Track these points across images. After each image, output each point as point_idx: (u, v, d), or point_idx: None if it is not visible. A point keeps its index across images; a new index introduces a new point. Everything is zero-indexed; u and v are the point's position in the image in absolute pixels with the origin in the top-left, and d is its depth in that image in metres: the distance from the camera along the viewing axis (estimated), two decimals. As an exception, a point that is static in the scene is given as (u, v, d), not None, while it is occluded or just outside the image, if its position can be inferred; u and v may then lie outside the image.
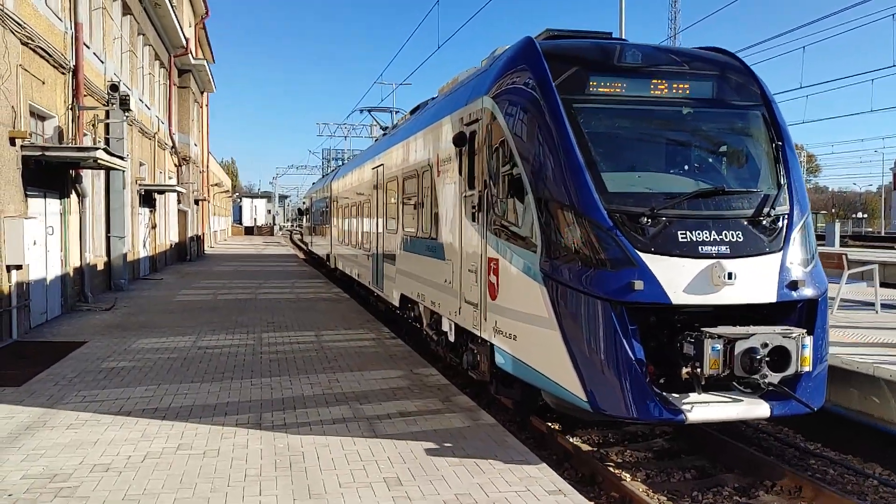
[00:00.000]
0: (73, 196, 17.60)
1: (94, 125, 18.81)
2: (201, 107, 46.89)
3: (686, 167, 8.37)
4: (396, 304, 15.25)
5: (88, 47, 18.69)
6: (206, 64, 41.21)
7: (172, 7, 29.86)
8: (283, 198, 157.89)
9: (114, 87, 18.84)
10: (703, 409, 7.30)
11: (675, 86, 8.65)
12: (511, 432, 8.36)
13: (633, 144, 8.42)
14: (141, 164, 27.04)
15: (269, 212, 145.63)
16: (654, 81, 8.63)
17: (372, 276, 18.43)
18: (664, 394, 7.36)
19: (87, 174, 18.55)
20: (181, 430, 7.82)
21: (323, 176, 46.20)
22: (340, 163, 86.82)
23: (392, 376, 10.66)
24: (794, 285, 7.67)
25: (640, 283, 7.25)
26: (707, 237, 7.58)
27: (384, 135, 22.23)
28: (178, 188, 31.66)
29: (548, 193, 7.88)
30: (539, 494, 6.25)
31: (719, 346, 6.99)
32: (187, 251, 39.16)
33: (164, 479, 6.35)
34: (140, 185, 26.33)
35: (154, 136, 29.67)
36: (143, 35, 28.07)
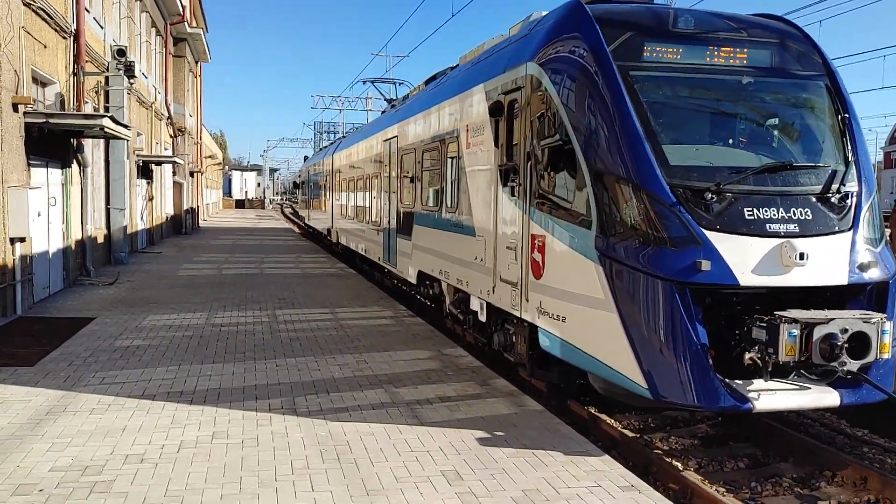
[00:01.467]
0: (75, 166, 16.96)
1: (96, 92, 18.11)
2: (196, 77, 45.95)
3: (748, 140, 7.87)
4: (413, 280, 14.76)
5: (88, 11, 17.94)
6: (201, 33, 40.27)
7: (170, -28, 28.98)
8: (273, 171, 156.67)
9: (121, 52, 18.13)
10: (771, 397, 6.88)
11: (733, 53, 8.14)
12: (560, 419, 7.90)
13: (693, 115, 7.92)
14: (139, 135, 26.32)
15: (258, 185, 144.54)
16: (712, 48, 8.13)
17: (383, 251, 17.91)
18: (728, 381, 6.94)
19: (87, 143, 17.89)
20: (212, 416, 7.34)
21: (320, 149, 45.50)
22: (333, 136, 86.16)
23: (421, 357, 10.20)
24: (864, 267, 7.23)
25: (706, 263, 6.79)
26: (775, 215, 7.12)
27: (392, 107, 21.61)
28: (175, 159, 30.96)
29: (603, 166, 7.39)
30: (612, 490, 5.82)
31: (796, 332, 6.55)
32: (183, 224, 38.49)
33: (206, 472, 5.87)
34: (138, 155, 25.64)
35: (151, 106, 28.92)
36: (141, 1, 27.22)
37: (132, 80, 18.97)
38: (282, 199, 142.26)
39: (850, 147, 7.80)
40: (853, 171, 7.65)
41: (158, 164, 30.59)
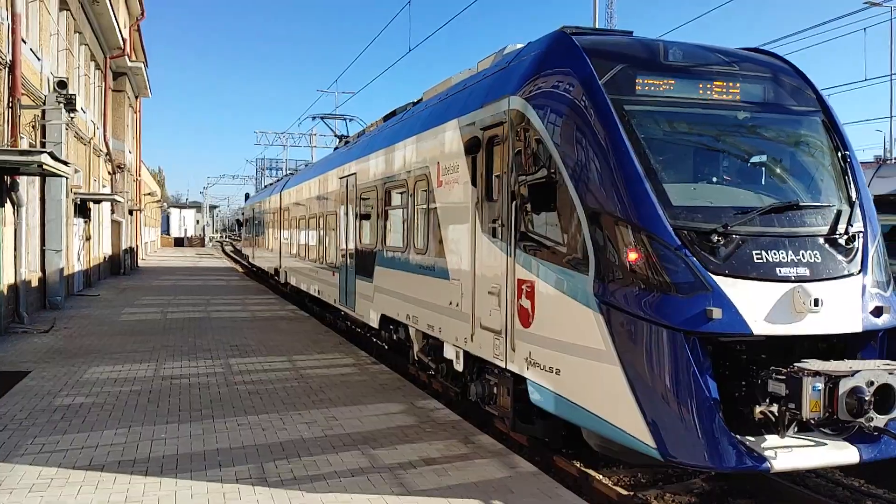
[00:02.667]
0: (8, 205, 15.83)
1: (33, 127, 17.04)
2: (136, 112, 44.65)
3: (749, 178, 7.47)
4: (375, 325, 14.03)
5: (25, 42, 16.94)
6: (142, 67, 39.13)
7: (111, 4, 27.97)
8: (213, 208, 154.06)
9: (61, 84, 17.12)
10: (788, 455, 6.36)
11: (726, 87, 7.77)
12: (557, 480, 7.26)
13: (692, 152, 7.49)
14: (76, 172, 25.08)
15: (198, 222, 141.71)
16: (704, 83, 7.74)
17: (340, 293, 17.14)
18: (740, 438, 6.41)
19: (21, 181, 16.78)
20: (172, 489, 6.48)
21: (266, 186, 44.51)
22: (277, 173, 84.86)
23: (394, 411, 9.47)
24: (878, 311, 6.83)
25: (717, 311, 6.29)
26: (784, 257, 6.69)
27: (346, 143, 20.99)
28: (115, 197, 29.68)
29: (600, 206, 6.87)
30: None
31: (820, 386, 6.06)
32: (121, 264, 36.97)
33: (170, 564, 5.05)
34: (76, 193, 24.40)
35: (89, 142, 27.72)
36: (80, 33, 26.17)
37: (72, 115, 17.94)
38: (222, 237, 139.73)
39: (852, 186, 7.45)
40: (858, 210, 7.29)
41: (97, 201, 29.30)
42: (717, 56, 8.08)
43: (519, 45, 9.99)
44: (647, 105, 7.41)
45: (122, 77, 37.31)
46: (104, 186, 32.81)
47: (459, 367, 9.85)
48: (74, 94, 17.23)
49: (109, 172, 34.64)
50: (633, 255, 6.64)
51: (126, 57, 34.87)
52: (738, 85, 7.82)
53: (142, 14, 41.31)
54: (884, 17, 34.14)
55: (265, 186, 45.92)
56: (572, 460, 8.88)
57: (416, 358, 12.07)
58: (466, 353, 9.61)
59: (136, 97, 44.40)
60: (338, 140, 25.68)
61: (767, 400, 6.47)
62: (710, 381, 6.33)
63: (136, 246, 45.40)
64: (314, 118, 28.32)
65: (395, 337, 13.32)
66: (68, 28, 23.90)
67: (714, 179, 7.40)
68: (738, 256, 6.61)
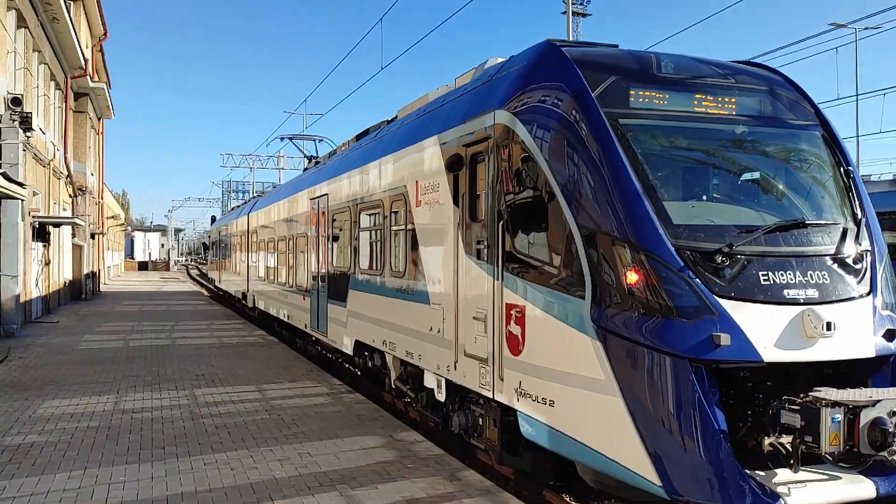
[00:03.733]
0: (-40, 229, 15.02)
1: (-15, 147, 16.28)
2: (98, 133, 43.62)
3: (749, 195, 7.07)
4: (349, 351, 13.44)
5: (-21, 59, 16.21)
6: (104, 87, 38.25)
7: (72, 23, 27.21)
8: (178, 231, 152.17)
9: (16, 102, 16.37)
10: (803, 492, 5.89)
11: (721, 101, 7.41)
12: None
13: (690, 168, 7.09)
14: (35, 194, 24.20)
15: (163, 246, 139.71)
16: (699, 96, 7.37)
17: (311, 317, 16.52)
18: (752, 473, 5.95)
19: (-25, 204, 15.98)
20: (130, 542, 5.85)
21: (233, 208, 43.71)
22: (243, 195, 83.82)
23: (372, 445, 8.88)
24: (890, 335, 6.44)
25: (725, 337, 5.86)
26: (791, 279, 6.28)
27: (317, 163, 20.44)
28: (76, 220, 28.73)
29: (597, 225, 6.42)
30: None
31: (840, 417, 5.62)
32: (83, 289, 35.86)
33: None
34: (34, 216, 23.50)
35: (49, 164, 26.82)
36: (39, 52, 25.37)
37: (28, 134, 17.18)
38: (188, 261, 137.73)
39: (857, 202, 7.09)
40: (864, 228, 6.92)
41: (57, 225, 28.33)
42: (710, 68, 7.73)
43: (500, 59, 9.58)
44: (642, 119, 7.01)
45: (84, 98, 36.39)
46: (65, 210, 31.83)
47: (441, 396, 9.31)
48: (30, 113, 16.49)
49: (70, 195, 33.65)
50: (632, 277, 6.19)
51: (88, 77, 34.02)
52: (733, 99, 7.47)
53: (104, 34, 40.44)
54: (853, 38, 34.48)
55: (232, 209, 45.11)
56: (561, 494, 8.37)
57: (394, 386, 11.50)
58: (449, 382, 9.08)
59: (99, 118, 43.42)
60: (307, 161, 25.12)
61: (777, 431, 6.06)
62: (718, 413, 5.88)
63: (99, 270, 44.21)
64: (283, 139, 27.79)
65: (370, 364, 12.75)
66: (26, 46, 23.12)
67: (714, 197, 7.00)
68: (744, 278, 6.20)
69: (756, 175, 7.17)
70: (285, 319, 20.04)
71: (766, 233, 6.43)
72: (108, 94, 39.49)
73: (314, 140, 26.87)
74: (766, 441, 6.12)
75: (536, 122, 7.14)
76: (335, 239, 14.53)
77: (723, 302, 6.03)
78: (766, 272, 6.25)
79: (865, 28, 33.71)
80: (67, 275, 33.40)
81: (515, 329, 7.30)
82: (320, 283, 15.66)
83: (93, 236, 40.25)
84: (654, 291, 6.08)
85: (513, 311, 7.34)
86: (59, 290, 30.49)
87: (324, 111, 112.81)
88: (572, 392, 6.55)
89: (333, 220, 14.62)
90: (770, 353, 5.98)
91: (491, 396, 7.80)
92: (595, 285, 6.35)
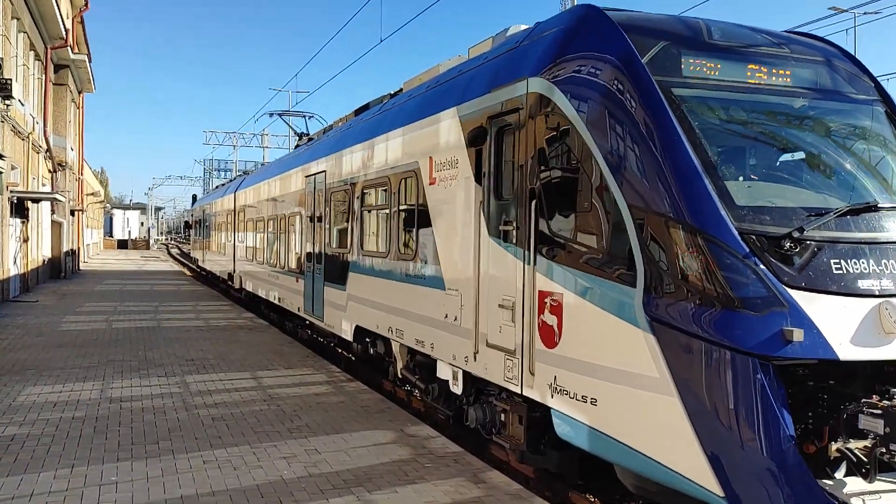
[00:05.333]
0: (-67, 203, 14.13)
1: (-39, 116, 15.32)
2: (78, 107, 42.41)
3: (813, 175, 6.42)
4: (349, 337, 12.75)
5: (-46, 22, 15.25)
6: (86, 60, 37.05)
7: (52, -10, 26.08)
8: (158, 209, 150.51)
9: (-7, 66, 15.38)
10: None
11: (776, 72, 6.76)
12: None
13: (749, 144, 6.43)
14: (13, 168, 23.22)
15: (142, 224, 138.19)
16: (752, 66, 6.72)
17: (305, 301, 15.80)
18: (822, 483, 5.36)
19: (-50, 176, 15.08)
20: (127, 556, 5.16)
21: (217, 186, 42.72)
22: (226, 174, 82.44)
23: (383, 441, 8.22)
24: None
25: (798, 333, 5.21)
26: (865, 268, 5.65)
27: (310, 140, 19.65)
28: (56, 196, 27.73)
29: (651, 206, 5.77)
30: None
31: (932, 423, 5.02)
32: (62, 267, 34.84)
33: None
34: (12, 191, 22.53)
35: (28, 138, 25.80)
36: (18, 20, 24.28)
37: (7, 102, 16.25)
38: (168, 240, 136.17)
39: None
40: None
41: (35, 201, 27.35)
42: (762, 37, 7.08)
43: (524, 26, 8.88)
44: (697, 88, 6.35)
45: (65, 70, 35.22)
46: (44, 185, 30.79)
47: (458, 389, 8.66)
48: (10, 80, 15.56)
49: (50, 170, 32.58)
50: (690, 264, 5.54)
51: (69, 48, 32.88)
52: (788, 70, 6.82)
53: (85, 5, 39.14)
54: (853, 23, 33.97)
55: (216, 187, 44.05)
56: (586, 494, 7.79)
57: (400, 375, 10.84)
58: (467, 374, 8.43)
59: (80, 92, 42.18)
60: (298, 138, 24.28)
61: (846, 436, 5.46)
62: (787, 416, 5.26)
63: (79, 248, 43.14)
64: (271, 115, 26.90)
65: (371, 351, 12.07)
66: (4, 12, 22.04)
67: (775, 176, 6.35)
68: (815, 266, 5.56)
69: (818, 152, 6.52)
70: (276, 302, 19.30)
71: (838, 216, 5.80)
72: (88, 67, 38.35)
73: (304, 116, 26.01)
74: (834, 446, 5.52)
75: (579, 91, 6.45)
76: (333, 218, 13.80)
77: (793, 293, 5.40)
78: (837, 260, 5.62)
79: (864, 13, 33.19)
80: (46, 252, 32.41)
81: (550, 319, 6.65)
82: (316, 265, 14.93)
83: (72, 213, 39.19)
84: (716, 280, 5.44)
85: (547, 299, 6.69)
86: (37, 267, 29.53)
87: (311, 90, 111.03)
88: (619, 390, 5.92)
89: (331, 199, 13.88)
90: (846, 350, 5.36)
91: (518, 392, 7.16)
92: (647, 272, 5.71)
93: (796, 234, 5.54)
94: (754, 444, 5.20)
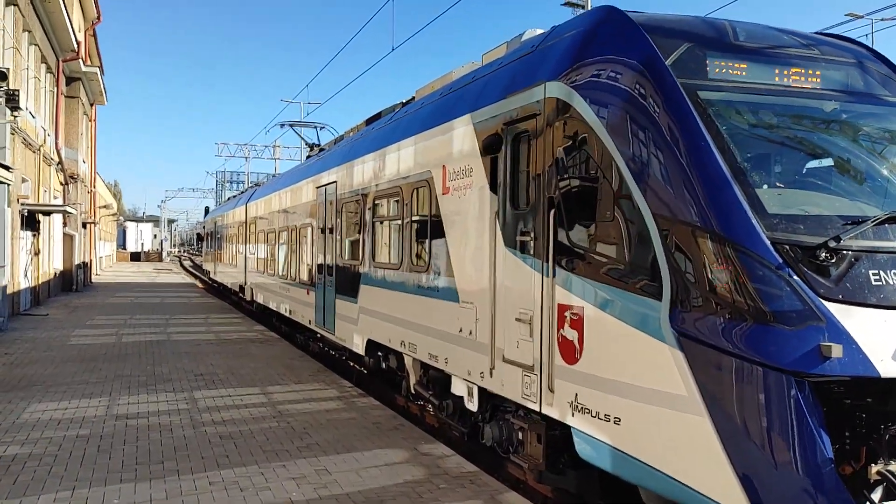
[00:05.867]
0: (-59, 216, 13.98)
1: (-30, 128, 15.22)
2: (90, 120, 42.48)
3: (847, 181, 6.12)
4: (360, 351, 12.48)
5: (-37, 34, 15.15)
6: (97, 72, 37.10)
7: (64, 4, 26.07)
8: (171, 222, 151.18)
9: (1, 76, 15.25)
10: (922, 532, 4.99)
11: (805, 74, 6.46)
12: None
13: (779, 149, 6.13)
14: (24, 181, 23.14)
15: (155, 237, 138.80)
16: (781, 68, 6.43)
17: (316, 313, 15.55)
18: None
19: (-42, 189, 14.94)
20: (126, 587, 4.89)
21: (229, 198, 42.65)
22: (238, 186, 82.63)
23: (396, 460, 7.93)
24: None
25: (836, 348, 4.89)
26: None
27: (321, 150, 19.46)
28: (67, 209, 27.65)
29: (677, 215, 5.48)
30: None
31: None
32: (73, 280, 34.76)
33: None
34: (23, 204, 22.44)
35: (39, 150, 25.75)
36: (30, 32, 24.25)
37: (15, 113, 16.11)
38: (180, 252, 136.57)
39: None
40: None
41: (47, 213, 27.28)
42: (790, 38, 6.80)
43: (540, 31, 8.63)
44: (723, 91, 6.06)
45: (76, 82, 35.26)
46: (56, 198, 30.75)
47: (473, 406, 8.36)
48: (17, 91, 15.42)
49: (62, 183, 32.56)
50: (720, 276, 5.24)
51: (80, 61, 32.89)
52: (818, 71, 6.53)
53: (98, 18, 39.33)
54: (870, 30, 33.54)
55: (228, 199, 44.00)
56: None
57: (413, 391, 10.55)
58: (482, 391, 8.14)
59: (92, 104, 42.26)
60: (309, 149, 24.11)
61: (887, 457, 5.15)
62: (825, 438, 4.95)
63: (91, 261, 43.13)
64: (283, 126, 26.71)
65: (384, 365, 11.79)
66: (16, 25, 22.01)
67: (808, 182, 6.04)
68: (853, 278, 5.25)
69: (851, 158, 6.22)
70: (287, 315, 19.06)
71: (876, 224, 5.49)
72: (101, 80, 38.39)
73: (316, 127, 25.81)
74: (874, 468, 5.21)
75: (600, 96, 6.18)
76: (344, 230, 13.55)
77: (830, 306, 5.08)
78: (876, 271, 5.30)
79: (882, 19, 32.83)
80: (58, 265, 32.34)
81: (570, 333, 6.35)
82: (327, 277, 14.69)
83: (84, 226, 39.18)
84: (746, 293, 5.14)
85: (567, 313, 6.40)
86: (49, 280, 29.45)
87: (322, 101, 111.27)
88: (645, 409, 5.61)
89: (343, 210, 13.64)
90: (888, 366, 5.03)
91: (537, 409, 6.85)
92: (674, 284, 5.41)
93: (832, 244, 5.23)
94: (790, 467, 4.88)
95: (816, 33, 7.36)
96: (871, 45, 7.34)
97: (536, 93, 6.95)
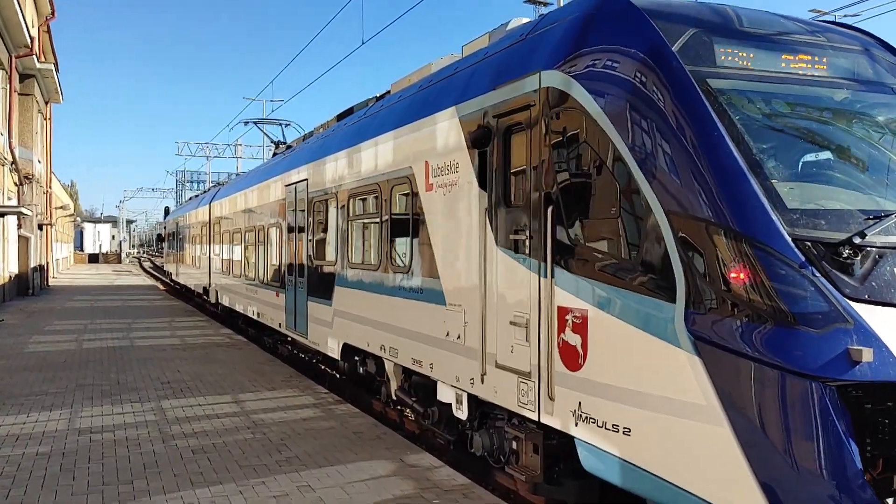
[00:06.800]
0: None
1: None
2: (46, 118, 41.21)
3: (866, 173, 5.80)
4: (335, 355, 12.00)
5: None
6: (52, 69, 35.95)
7: (16, -3, 25.10)
8: (130, 222, 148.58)
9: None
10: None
11: (813, 62, 6.16)
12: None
13: (794, 140, 5.80)
14: (-24, 181, 22.18)
15: (114, 238, 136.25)
16: (786, 56, 6.12)
17: (287, 316, 15.00)
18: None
19: None
20: None
21: (191, 197, 41.73)
22: (199, 186, 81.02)
23: (383, 473, 7.48)
24: None
25: (866, 352, 4.57)
26: None
27: (288, 148, 18.89)
28: (21, 210, 26.65)
29: (689, 210, 5.12)
30: None
31: None
32: (30, 284, 33.64)
33: None
34: (-25, 205, 21.49)
35: (-9, 149, 24.74)
36: (-20, 26, 23.28)
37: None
38: (140, 253, 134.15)
39: None
40: None
41: (0, 215, 26.24)
42: (795, 24, 6.50)
43: (526, 20, 8.25)
44: (733, 79, 5.72)
45: (30, 80, 34.12)
46: (10, 199, 29.68)
47: (462, 414, 7.94)
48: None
49: (16, 184, 31.44)
50: (740, 275, 4.89)
51: (34, 57, 31.82)
52: (825, 59, 6.23)
53: (52, 13, 38.07)
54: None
55: (190, 198, 43.03)
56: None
57: (395, 397, 10.09)
58: (472, 398, 7.72)
59: (47, 103, 40.99)
60: (274, 146, 23.52)
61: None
62: (854, 447, 4.62)
63: (47, 263, 41.86)
64: (247, 123, 26.11)
65: (361, 370, 11.32)
66: (-35, 18, 21.07)
67: (826, 175, 5.72)
68: (879, 276, 4.94)
69: (867, 149, 5.92)
70: (255, 317, 18.46)
71: (898, 219, 5.18)
72: (56, 77, 37.26)
73: (281, 124, 25.24)
74: (902, 477, 4.90)
75: (602, 85, 5.79)
76: (317, 229, 13.04)
77: (857, 306, 4.77)
78: None
79: (845, 16, 33.08)
80: (13, 268, 31.23)
81: (573, 338, 5.97)
82: (298, 278, 14.16)
83: (40, 227, 37.99)
84: (767, 294, 4.79)
85: (569, 316, 6.01)
86: (3, 285, 28.41)
87: (286, 98, 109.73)
88: (658, 419, 5.24)
89: (315, 209, 13.13)
90: (920, 371, 4.73)
91: (535, 418, 6.46)
92: (689, 284, 5.05)
93: (857, 240, 4.91)
94: (819, 478, 4.55)
95: (818, 21, 7.07)
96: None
97: (530, 82, 6.54)
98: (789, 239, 4.88)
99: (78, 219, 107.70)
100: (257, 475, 7.32)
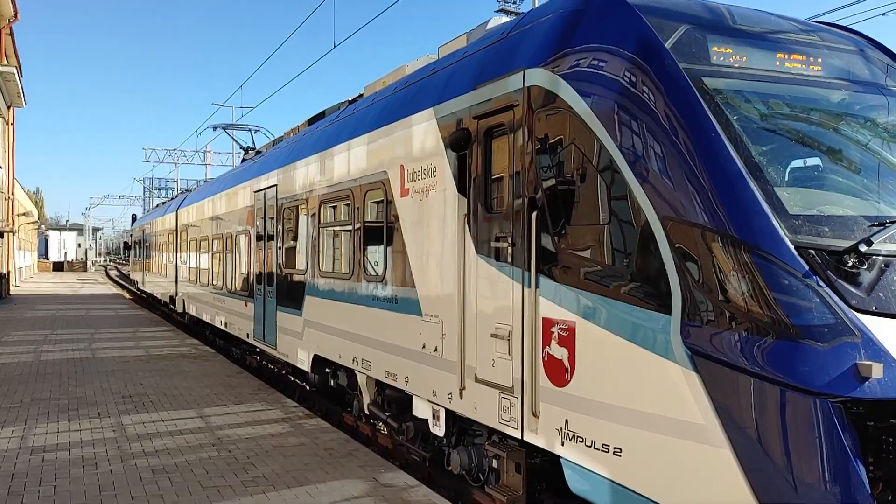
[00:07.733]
0: None
1: None
2: (8, 123, 40.20)
3: (868, 178, 5.52)
4: (305, 367, 11.54)
5: None
6: (15, 73, 35.04)
7: (-24, -4, 24.31)
8: (96, 230, 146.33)
9: None
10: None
11: (807, 61, 5.91)
12: None
13: (794, 142, 5.51)
14: (-69, 186, 21.38)
15: (79, 245, 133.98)
16: (782, 54, 5.86)
17: (255, 326, 14.51)
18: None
19: None
20: None
21: (157, 205, 40.93)
22: (167, 193, 79.86)
23: (356, 493, 7.06)
24: None
25: (876, 368, 4.28)
26: None
27: (258, 153, 18.40)
28: (-20, 217, 25.79)
29: (685, 216, 4.81)
30: None
31: None
32: (-11, 293, 32.65)
33: None
34: (-70, 212, 20.71)
35: (-51, 153, 23.91)
36: (-63, 26, 22.49)
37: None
38: (106, 261, 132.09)
39: None
40: None
41: (-42, 222, 25.40)
42: (788, 23, 6.25)
43: (505, 19, 7.93)
44: (729, 78, 5.43)
45: (-9, 83, 33.22)
46: (-32, 205, 28.78)
47: (439, 430, 7.56)
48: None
49: (-25, 189, 30.53)
50: (739, 286, 4.58)
51: (-5, 59, 30.94)
52: (819, 59, 5.98)
53: (15, 15, 37.06)
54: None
55: (156, 206, 42.26)
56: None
57: (367, 412, 9.68)
58: (450, 413, 7.35)
59: (9, 107, 39.99)
60: (244, 152, 22.98)
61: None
62: (862, 469, 4.32)
63: (9, 272, 40.79)
64: (215, 128, 25.47)
65: (332, 383, 10.89)
66: (-79, 18, 20.32)
67: (827, 179, 5.43)
68: (885, 286, 4.65)
69: (868, 152, 5.65)
70: (223, 328, 17.92)
71: (904, 226, 4.91)
72: (18, 80, 36.26)
73: (250, 130, 24.68)
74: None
75: (592, 84, 5.47)
76: (287, 236, 12.60)
77: (864, 319, 4.48)
78: None
79: (843, 17, 33.34)
80: (-28, 277, 30.28)
81: (559, 352, 5.62)
82: (267, 288, 13.69)
83: (1, 235, 36.96)
84: (772, 305, 4.48)
85: (554, 328, 5.66)
86: (-39, 293, 27.48)
87: (255, 104, 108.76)
88: (651, 438, 4.91)
89: (284, 215, 12.69)
90: (929, 387, 4.44)
91: (518, 436, 6.10)
92: (686, 295, 4.73)
93: (863, 248, 4.62)
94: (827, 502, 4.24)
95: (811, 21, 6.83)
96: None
97: (513, 82, 6.21)
98: (792, 246, 4.58)
99: (42, 226, 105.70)
100: (221, 497, 6.87)
